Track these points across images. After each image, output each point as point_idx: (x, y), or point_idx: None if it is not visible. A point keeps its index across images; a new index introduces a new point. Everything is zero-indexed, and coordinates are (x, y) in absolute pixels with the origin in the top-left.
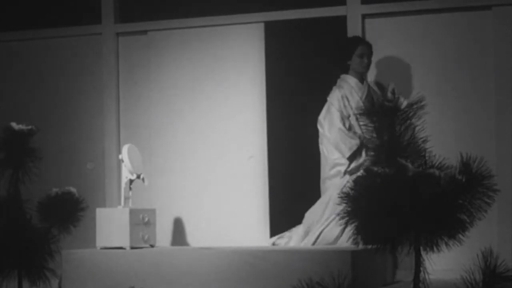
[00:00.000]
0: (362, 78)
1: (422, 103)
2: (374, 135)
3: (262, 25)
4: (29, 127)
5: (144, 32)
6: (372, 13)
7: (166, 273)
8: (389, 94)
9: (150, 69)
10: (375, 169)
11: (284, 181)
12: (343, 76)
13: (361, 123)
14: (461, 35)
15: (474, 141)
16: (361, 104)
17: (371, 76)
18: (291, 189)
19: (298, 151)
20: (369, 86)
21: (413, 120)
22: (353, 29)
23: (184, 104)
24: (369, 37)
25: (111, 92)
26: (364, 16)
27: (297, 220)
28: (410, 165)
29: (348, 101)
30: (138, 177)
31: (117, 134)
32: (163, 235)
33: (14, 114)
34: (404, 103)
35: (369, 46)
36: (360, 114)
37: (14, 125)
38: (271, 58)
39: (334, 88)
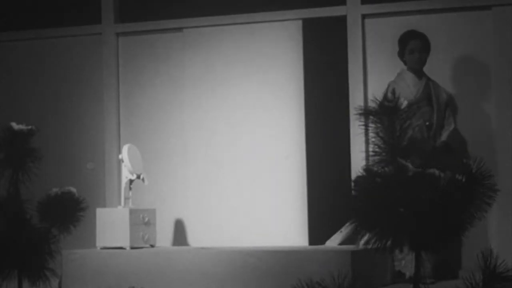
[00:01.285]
0: (420, 73)
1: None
2: (374, 135)
3: (300, 22)
4: (29, 127)
5: (180, 29)
6: (372, 13)
7: (166, 273)
8: (389, 94)
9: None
10: (375, 169)
11: (323, 181)
12: (401, 71)
13: (360, 123)
14: (461, 35)
15: (474, 141)
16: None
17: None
18: (330, 189)
19: (337, 149)
20: (427, 82)
21: (413, 120)
22: (353, 29)
23: (212, 102)
24: (369, 37)
25: (111, 92)
26: (364, 16)
27: (336, 222)
28: (410, 165)
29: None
30: (138, 177)
31: (117, 134)
32: (163, 235)
33: (14, 114)
34: (404, 103)
35: (420, 41)
36: (359, 114)
37: (14, 125)
38: (309, 56)
39: (389, 85)
